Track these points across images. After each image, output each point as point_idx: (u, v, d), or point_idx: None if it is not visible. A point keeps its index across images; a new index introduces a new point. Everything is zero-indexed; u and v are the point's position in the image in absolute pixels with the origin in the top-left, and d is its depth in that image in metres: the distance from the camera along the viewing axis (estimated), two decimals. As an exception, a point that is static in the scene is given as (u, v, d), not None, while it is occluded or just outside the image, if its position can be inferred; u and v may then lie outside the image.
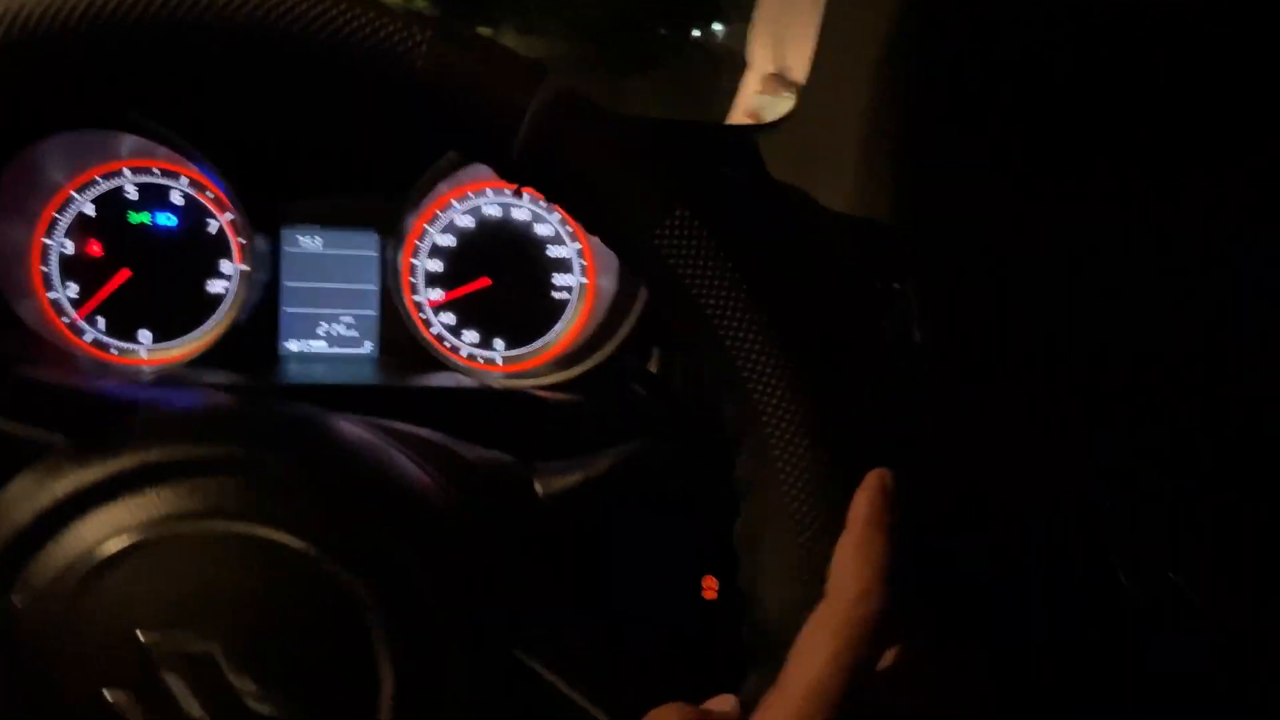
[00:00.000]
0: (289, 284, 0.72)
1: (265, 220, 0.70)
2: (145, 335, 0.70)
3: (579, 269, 0.77)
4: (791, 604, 0.34)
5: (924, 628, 0.36)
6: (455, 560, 0.38)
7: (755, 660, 0.36)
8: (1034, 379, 0.81)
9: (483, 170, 0.73)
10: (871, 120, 0.80)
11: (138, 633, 0.32)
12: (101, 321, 0.70)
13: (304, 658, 0.34)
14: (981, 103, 0.82)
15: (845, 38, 0.81)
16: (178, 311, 0.71)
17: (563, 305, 0.77)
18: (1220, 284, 0.82)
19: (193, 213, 0.71)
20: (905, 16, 0.75)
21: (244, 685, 0.32)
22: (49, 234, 0.69)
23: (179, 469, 0.34)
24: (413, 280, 0.74)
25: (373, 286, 0.74)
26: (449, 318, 0.75)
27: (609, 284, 0.76)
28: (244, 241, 0.70)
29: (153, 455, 0.34)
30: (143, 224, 0.70)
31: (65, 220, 0.69)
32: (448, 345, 0.75)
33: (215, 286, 0.71)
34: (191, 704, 0.32)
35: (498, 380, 0.70)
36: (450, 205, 0.74)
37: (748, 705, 0.35)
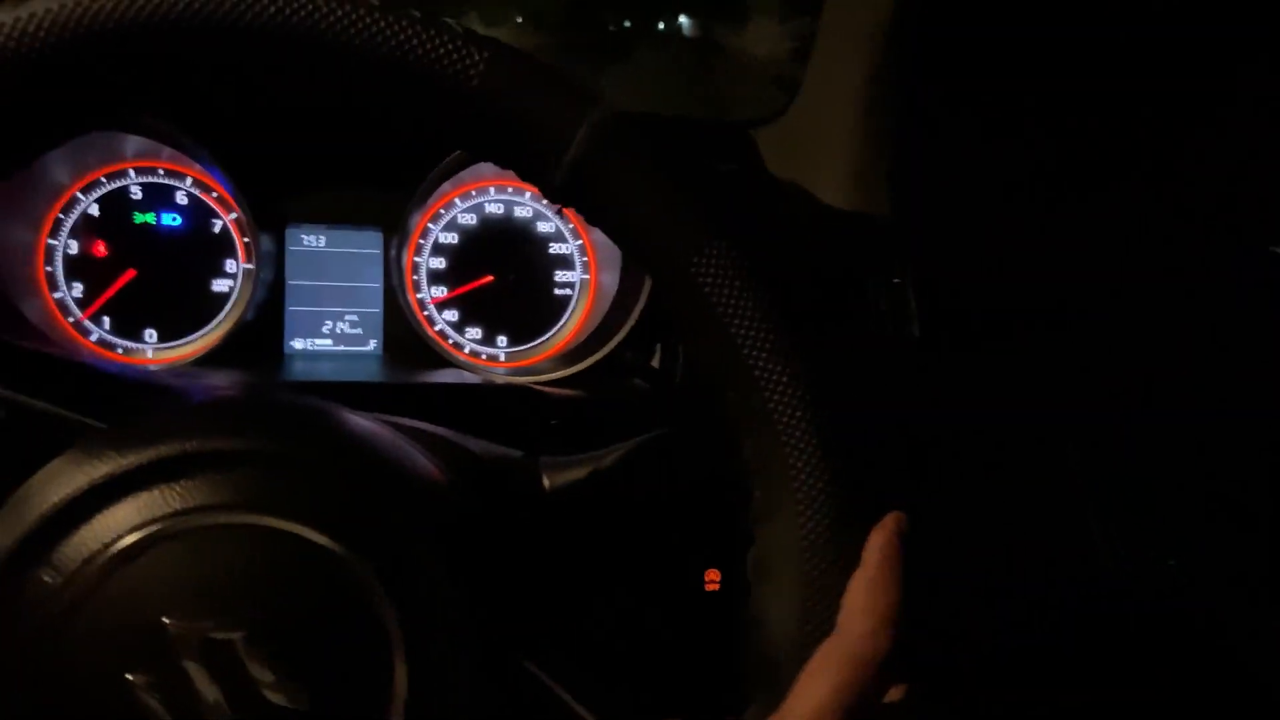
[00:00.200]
0: (294, 282, 0.73)
1: (270, 219, 0.70)
2: (151, 334, 0.71)
3: (581, 266, 0.77)
4: (800, 634, 0.35)
5: (926, 669, 0.37)
6: (469, 553, 0.39)
7: (758, 685, 0.37)
8: (1029, 371, 0.82)
9: (485, 168, 0.73)
10: (868, 116, 0.81)
11: (162, 619, 0.32)
12: (107, 321, 0.70)
13: (320, 649, 0.34)
14: (977, 98, 0.83)
15: (842, 34, 0.81)
16: (183, 311, 0.71)
17: (565, 302, 0.78)
18: (1218, 281, 0.83)
19: (197, 212, 0.71)
20: (901, 13, 0.75)
21: (262, 675, 0.33)
22: (54, 234, 0.69)
23: (213, 461, 0.34)
24: (416, 278, 0.75)
25: (376, 284, 0.75)
26: (452, 315, 0.76)
27: (611, 280, 0.77)
28: (249, 240, 0.70)
29: (189, 446, 0.34)
30: (147, 224, 0.70)
31: (70, 221, 0.69)
32: (451, 342, 0.76)
33: (220, 285, 0.72)
34: (210, 690, 0.32)
35: (501, 376, 0.70)
36: (453, 203, 0.75)
37: None
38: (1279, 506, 0.75)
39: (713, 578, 0.68)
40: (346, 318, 0.74)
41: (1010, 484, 0.77)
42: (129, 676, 0.32)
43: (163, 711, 0.32)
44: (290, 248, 0.73)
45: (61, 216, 0.69)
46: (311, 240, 0.73)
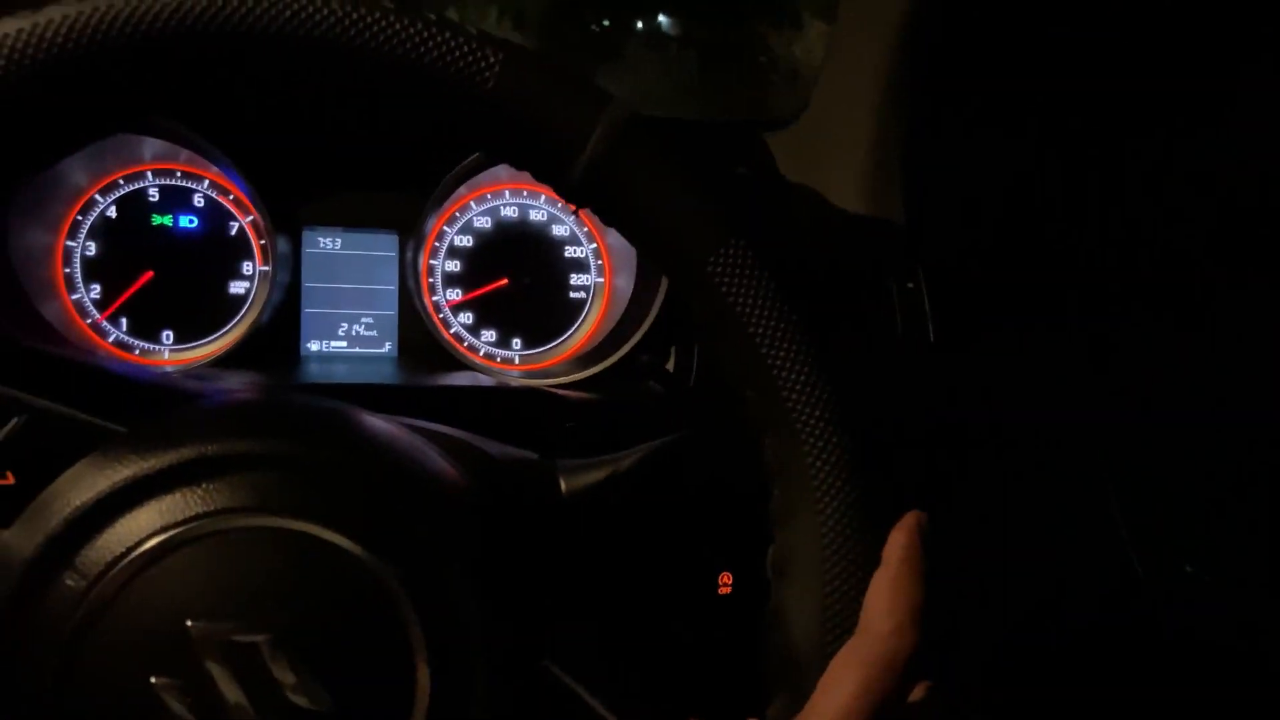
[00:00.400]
0: (310, 285, 0.73)
1: (286, 222, 0.71)
2: (168, 336, 0.71)
3: (595, 269, 0.78)
4: (822, 633, 0.35)
5: (949, 666, 0.37)
6: (489, 557, 0.39)
7: (780, 684, 0.37)
8: (1045, 373, 0.82)
9: (501, 172, 0.73)
10: (882, 119, 0.81)
11: (186, 621, 0.32)
12: (124, 322, 0.71)
13: (343, 652, 0.34)
14: (992, 101, 0.83)
15: (858, 37, 0.81)
16: (200, 312, 0.72)
17: (580, 305, 0.78)
18: (1228, 281, 0.82)
19: (214, 214, 0.71)
20: (916, 16, 0.75)
21: (285, 677, 0.33)
22: (72, 236, 0.69)
23: (233, 463, 0.34)
24: (431, 281, 0.75)
25: (392, 287, 0.75)
26: (467, 317, 0.76)
27: (625, 283, 0.77)
28: (265, 243, 0.70)
29: (210, 449, 0.34)
30: (165, 226, 0.71)
31: (88, 223, 0.70)
32: (466, 345, 0.76)
33: (237, 287, 0.72)
34: (234, 693, 0.32)
35: (515, 379, 0.71)
36: (468, 206, 0.75)
37: None
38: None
39: (726, 580, 0.68)
40: (362, 320, 0.74)
41: (1028, 487, 0.77)
42: (153, 679, 0.32)
43: (187, 714, 0.32)
44: (306, 250, 0.73)
45: (80, 218, 0.69)
46: (327, 243, 0.73)
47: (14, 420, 0.35)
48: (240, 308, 0.72)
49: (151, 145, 0.69)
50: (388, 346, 0.75)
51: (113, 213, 0.70)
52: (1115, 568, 0.72)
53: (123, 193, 0.70)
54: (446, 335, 0.73)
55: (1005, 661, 0.72)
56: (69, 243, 0.69)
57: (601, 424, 0.67)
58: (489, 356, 0.76)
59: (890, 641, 0.33)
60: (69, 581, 0.33)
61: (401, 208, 0.73)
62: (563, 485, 0.48)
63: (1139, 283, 0.84)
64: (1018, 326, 0.82)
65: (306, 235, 0.73)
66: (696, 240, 0.35)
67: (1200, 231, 0.86)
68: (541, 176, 0.36)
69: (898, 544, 0.35)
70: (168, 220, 0.71)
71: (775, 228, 0.75)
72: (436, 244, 0.75)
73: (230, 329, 0.72)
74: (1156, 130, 0.86)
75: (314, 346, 0.74)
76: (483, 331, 0.76)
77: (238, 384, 0.56)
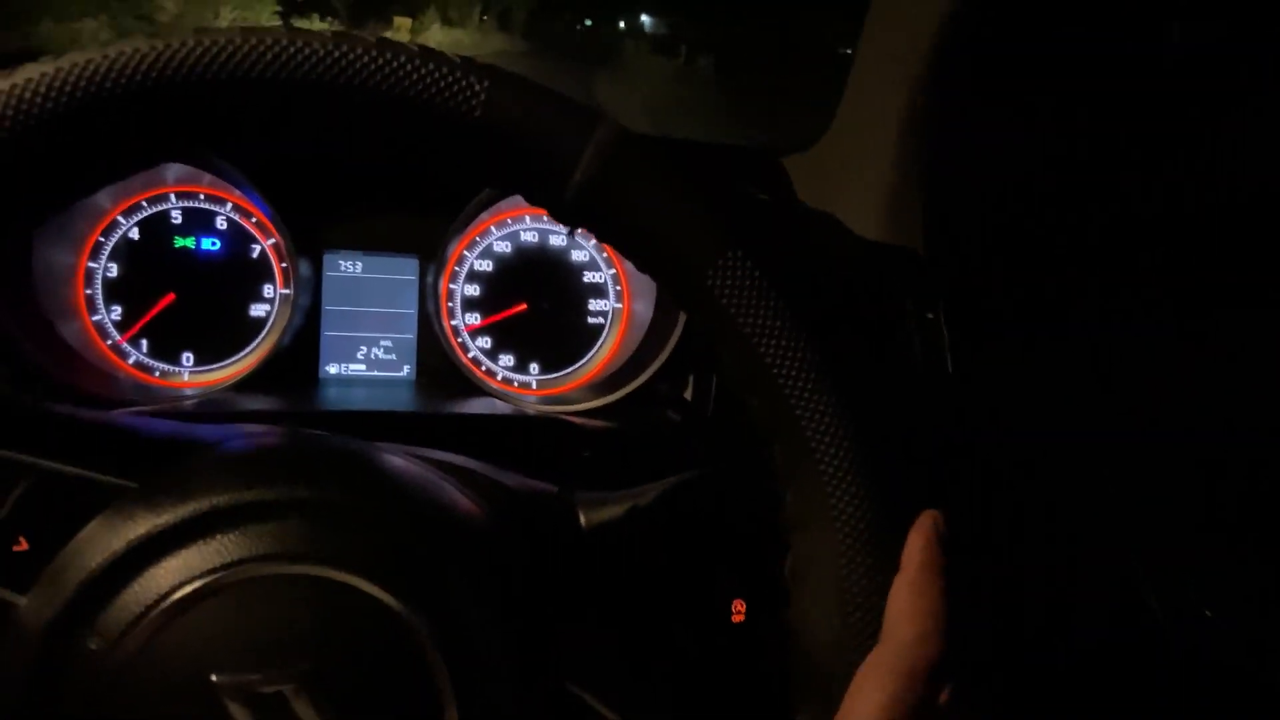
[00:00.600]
0: (330, 308, 0.73)
1: (308, 245, 0.71)
2: (188, 358, 0.71)
3: (614, 294, 0.78)
4: (845, 642, 0.34)
5: (973, 668, 0.37)
6: (510, 593, 0.39)
7: (804, 694, 0.36)
8: (1065, 404, 0.81)
9: (521, 198, 0.73)
10: (903, 146, 0.80)
11: (211, 675, 0.32)
12: (145, 344, 0.71)
13: (373, 696, 0.34)
14: (1014, 131, 0.83)
15: (879, 63, 0.81)
16: (220, 335, 0.72)
17: (598, 330, 0.78)
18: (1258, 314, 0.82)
19: (236, 238, 0.72)
20: (939, 44, 0.75)
21: (312, 723, 0.33)
22: (94, 257, 0.70)
23: (247, 512, 0.34)
24: (451, 305, 0.75)
25: (411, 311, 0.75)
26: (486, 342, 0.76)
27: (644, 309, 0.77)
28: (287, 266, 0.71)
29: (222, 500, 0.34)
30: (187, 248, 0.71)
31: (110, 244, 0.70)
32: (484, 369, 0.76)
33: (258, 310, 0.72)
34: None
35: (532, 405, 0.70)
36: (489, 231, 0.75)
37: None
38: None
39: (739, 608, 0.67)
40: (381, 344, 0.75)
41: (1044, 518, 0.77)
42: None
43: None
44: (327, 273, 0.73)
45: (102, 240, 0.70)
46: (349, 266, 0.73)
47: (22, 484, 0.34)
48: (261, 330, 0.72)
49: (175, 168, 0.69)
50: (406, 370, 0.75)
51: (135, 234, 0.70)
52: (1131, 598, 0.72)
53: (145, 215, 0.70)
54: (465, 359, 0.73)
55: (1024, 672, 0.72)
56: (91, 264, 0.70)
57: (619, 453, 0.67)
58: (506, 381, 0.76)
59: (915, 650, 0.33)
60: (91, 645, 0.32)
61: (422, 232, 0.73)
62: (582, 519, 0.48)
63: (1165, 306, 0.83)
64: (1036, 350, 0.81)
65: (328, 259, 0.73)
66: (693, 252, 0.34)
67: (1229, 253, 0.86)
68: (535, 199, 0.35)
69: (915, 547, 0.35)
70: (190, 242, 0.71)
71: (791, 254, 0.75)
72: (456, 268, 0.75)
73: (250, 351, 0.72)
74: (1180, 153, 0.86)
75: (333, 369, 0.74)
76: (501, 356, 0.76)
77: (250, 428, 0.57)
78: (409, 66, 0.31)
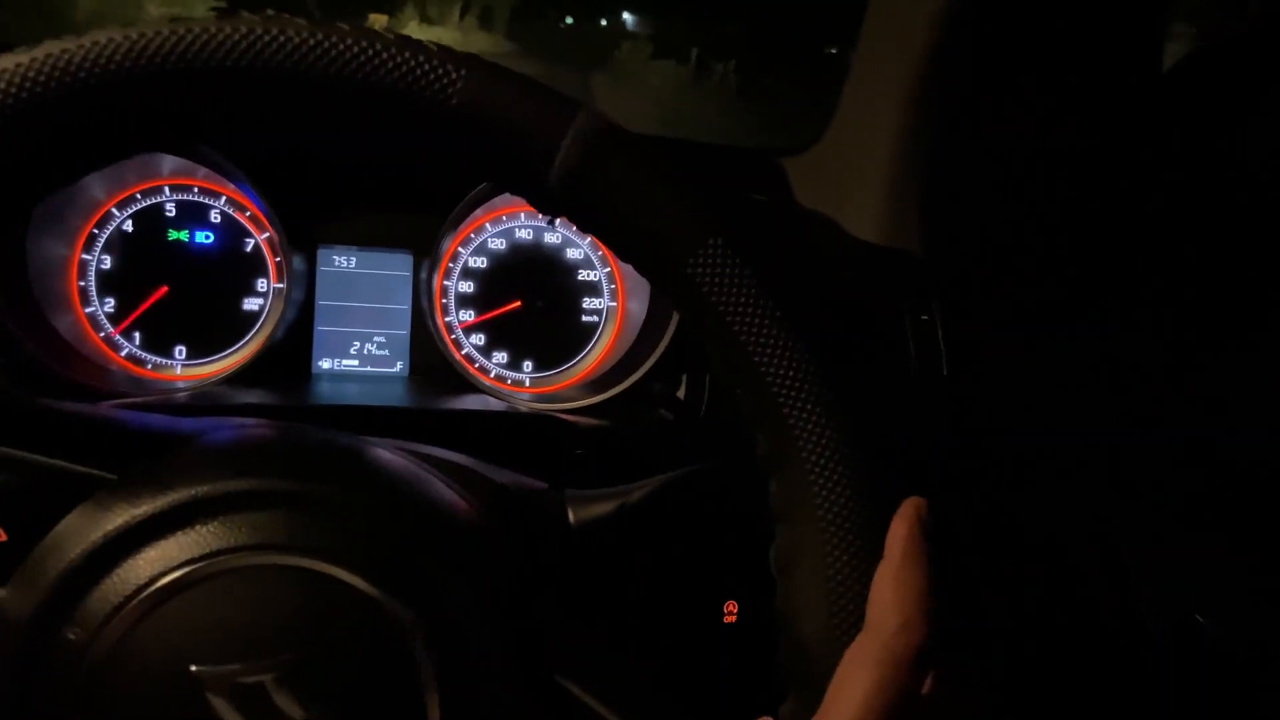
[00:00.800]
0: (323, 302, 0.73)
1: (302, 239, 0.71)
2: (180, 351, 0.71)
3: (609, 293, 0.77)
4: (828, 630, 0.34)
5: (958, 655, 0.37)
6: (497, 589, 0.38)
7: (791, 684, 0.36)
8: (1061, 408, 0.81)
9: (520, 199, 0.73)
10: (901, 148, 0.80)
11: (191, 666, 0.32)
12: (138, 337, 0.71)
13: (354, 687, 0.34)
14: (1012, 134, 0.82)
15: (879, 64, 0.81)
16: (213, 328, 0.72)
17: (592, 329, 0.77)
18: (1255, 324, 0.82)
19: (230, 231, 0.71)
20: (937, 46, 0.75)
21: (295, 714, 0.33)
22: (87, 249, 0.70)
23: (226, 503, 0.34)
24: (445, 301, 0.75)
25: (405, 306, 0.75)
26: (479, 339, 0.76)
27: (639, 308, 0.76)
28: (280, 260, 0.71)
29: (201, 490, 0.34)
30: (180, 241, 0.71)
31: (104, 236, 0.70)
32: (477, 366, 0.76)
33: (251, 304, 0.72)
34: None
35: (525, 403, 0.70)
36: (484, 228, 0.75)
37: None
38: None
39: (731, 609, 0.67)
40: (374, 339, 0.74)
41: (1036, 515, 0.77)
42: None
43: None
44: (321, 268, 0.73)
45: (96, 231, 0.70)
46: (342, 261, 0.73)
47: (1, 476, 0.34)
48: (254, 324, 0.72)
49: (170, 161, 0.69)
50: (399, 366, 0.75)
51: (129, 227, 0.70)
52: (1122, 597, 0.72)
53: (139, 207, 0.70)
54: (458, 356, 0.73)
55: (1013, 660, 0.72)
56: (84, 256, 0.70)
57: (611, 452, 0.66)
58: (500, 379, 0.76)
59: (900, 638, 0.32)
60: (70, 636, 0.32)
61: (417, 228, 0.73)
62: (571, 516, 0.48)
63: (1163, 307, 0.83)
64: (1033, 351, 0.81)
65: (322, 253, 0.73)
66: (674, 240, 0.34)
67: (1229, 253, 0.86)
68: (515, 188, 0.35)
69: (899, 534, 0.34)
70: (184, 235, 0.71)
71: (786, 253, 0.75)
72: (451, 265, 0.75)
73: (243, 345, 0.72)
74: (1179, 153, 0.86)
75: (325, 364, 0.74)
76: (494, 353, 0.76)
77: (232, 420, 0.57)
78: (385, 54, 0.31)
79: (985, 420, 0.77)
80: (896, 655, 0.32)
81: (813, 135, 0.90)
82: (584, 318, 0.77)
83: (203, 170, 0.70)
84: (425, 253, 0.71)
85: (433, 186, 0.71)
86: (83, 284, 0.70)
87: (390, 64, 0.31)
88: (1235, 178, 0.85)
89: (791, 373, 0.34)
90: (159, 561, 0.33)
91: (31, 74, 0.29)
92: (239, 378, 0.67)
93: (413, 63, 0.31)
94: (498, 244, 0.76)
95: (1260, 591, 0.72)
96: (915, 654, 0.32)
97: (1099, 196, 0.87)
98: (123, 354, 0.70)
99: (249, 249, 0.72)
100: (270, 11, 0.31)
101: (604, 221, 0.35)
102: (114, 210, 0.70)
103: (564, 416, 0.68)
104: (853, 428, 0.35)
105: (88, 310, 0.70)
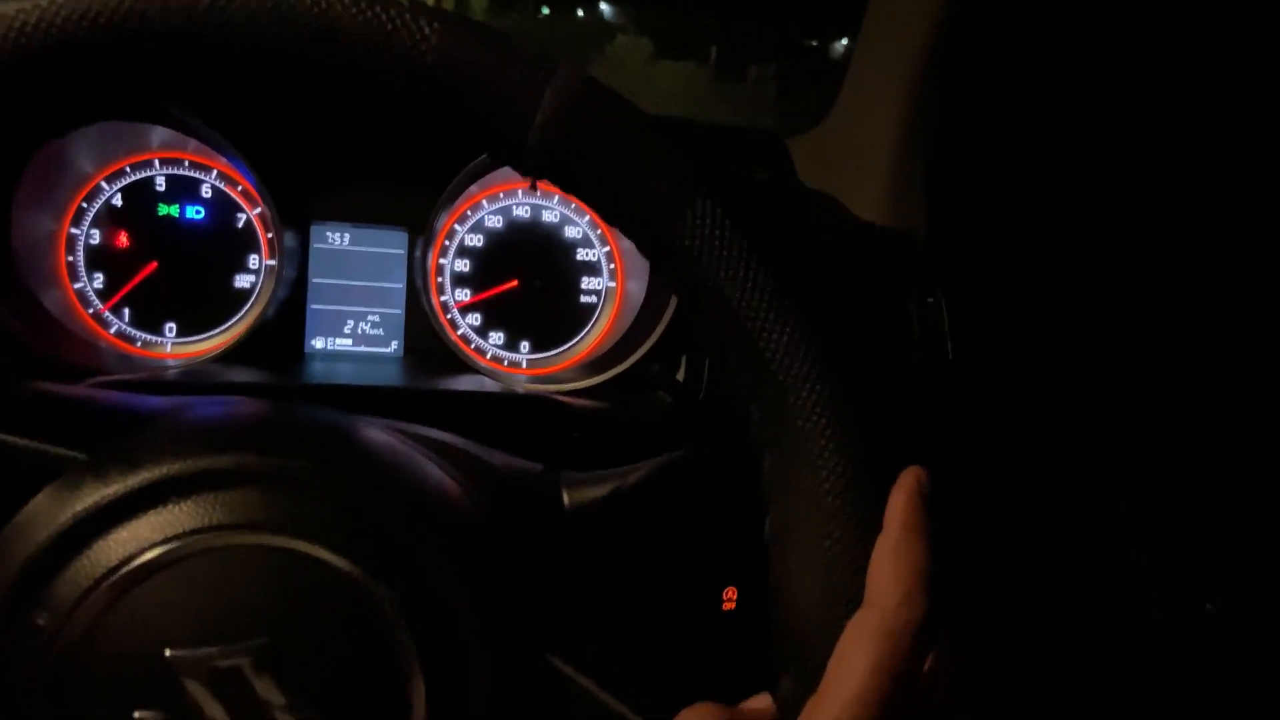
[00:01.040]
0: (317, 280, 0.72)
1: (295, 216, 0.69)
2: (170, 329, 0.70)
3: (608, 273, 0.76)
4: (825, 605, 0.33)
5: (958, 630, 0.35)
6: (484, 570, 0.37)
7: (786, 659, 0.35)
8: (1064, 394, 0.80)
9: (513, 171, 0.72)
10: (905, 128, 0.79)
11: (165, 650, 0.31)
12: (127, 313, 0.69)
13: (334, 668, 0.33)
14: (1018, 116, 0.81)
15: (883, 44, 0.80)
16: (204, 305, 0.70)
17: (591, 309, 0.76)
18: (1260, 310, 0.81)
19: (222, 206, 0.70)
20: (943, 27, 0.74)
21: (273, 698, 0.32)
22: (76, 224, 0.68)
23: (200, 481, 0.33)
24: (440, 280, 0.74)
25: (400, 285, 0.73)
26: (475, 319, 0.75)
27: (638, 288, 0.75)
28: (272, 236, 0.69)
29: (174, 468, 0.33)
30: (171, 216, 0.69)
31: (93, 210, 0.68)
32: (473, 346, 0.74)
33: (242, 281, 0.71)
34: (221, 717, 0.31)
35: (522, 384, 0.69)
36: (480, 205, 0.74)
37: (783, 705, 0.34)
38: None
39: (730, 596, 0.66)
40: (369, 318, 0.73)
41: (1042, 513, 0.76)
42: (136, 715, 0.31)
43: None
44: (314, 245, 0.71)
45: (84, 206, 0.68)
46: (336, 238, 0.72)
47: None
48: (245, 302, 0.71)
49: (160, 133, 0.68)
50: (394, 345, 0.74)
51: (118, 201, 0.69)
52: (1131, 602, 0.71)
53: (129, 181, 0.69)
54: (454, 336, 0.72)
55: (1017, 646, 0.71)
56: (73, 230, 0.68)
57: (608, 434, 0.65)
58: (496, 359, 0.75)
59: (900, 613, 0.31)
60: (39, 621, 0.31)
61: (412, 204, 0.71)
62: (566, 498, 0.47)
63: (1168, 291, 0.82)
64: (1039, 340, 0.80)
65: (315, 230, 0.71)
66: (661, 202, 0.32)
67: (1231, 242, 0.84)
68: (494, 151, 0.33)
69: (897, 506, 0.33)
70: (174, 210, 0.69)
71: (791, 233, 0.74)
72: (447, 242, 0.74)
73: (234, 323, 0.71)
74: (1191, 138, 0.84)
75: (319, 343, 0.72)
76: (491, 333, 0.75)
77: (209, 398, 0.56)
78: (354, 9, 0.29)
79: (989, 407, 0.76)
80: (897, 631, 0.31)
81: (818, 115, 0.88)
82: (582, 298, 0.76)
83: (193, 143, 0.68)
84: (420, 230, 0.70)
85: (429, 161, 0.69)
86: (71, 259, 0.68)
87: (360, 18, 0.29)
88: (1237, 165, 0.84)
89: (786, 337, 0.33)
90: (130, 543, 0.32)
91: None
92: (230, 356, 0.65)
93: (383, 16, 0.30)
94: (495, 221, 0.74)
95: (1267, 585, 0.72)
96: (917, 630, 0.31)
97: (1102, 181, 0.86)
98: (112, 331, 0.69)
99: (240, 224, 0.70)
100: None
101: (586, 183, 0.33)
102: (103, 184, 0.68)
103: (561, 398, 0.67)
104: (849, 394, 0.33)
105: (76, 286, 0.69)
